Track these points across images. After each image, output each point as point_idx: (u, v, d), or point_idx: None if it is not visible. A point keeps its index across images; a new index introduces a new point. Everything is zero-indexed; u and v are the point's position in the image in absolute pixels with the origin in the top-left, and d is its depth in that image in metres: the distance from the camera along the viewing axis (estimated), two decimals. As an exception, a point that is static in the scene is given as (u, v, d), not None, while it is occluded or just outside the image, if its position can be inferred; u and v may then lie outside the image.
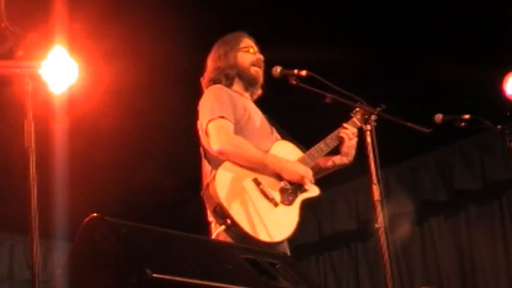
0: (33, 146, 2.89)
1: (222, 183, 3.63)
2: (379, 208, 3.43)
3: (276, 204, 3.70)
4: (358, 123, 3.86)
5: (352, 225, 7.55)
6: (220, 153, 3.73)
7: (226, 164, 3.70)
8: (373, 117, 3.66)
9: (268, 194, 3.70)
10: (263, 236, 3.57)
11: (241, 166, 3.72)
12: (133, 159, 6.63)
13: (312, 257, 7.96)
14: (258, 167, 3.74)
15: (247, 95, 4.08)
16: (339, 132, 3.96)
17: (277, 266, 2.86)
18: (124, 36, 5.32)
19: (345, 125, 3.95)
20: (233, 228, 3.56)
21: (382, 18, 5.51)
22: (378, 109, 3.68)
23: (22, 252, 7.85)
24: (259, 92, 4.12)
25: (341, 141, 3.96)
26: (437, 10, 5.36)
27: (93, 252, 2.51)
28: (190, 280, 2.40)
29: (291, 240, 3.77)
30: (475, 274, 6.80)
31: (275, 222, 3.66)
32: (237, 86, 4.04)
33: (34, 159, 2.88)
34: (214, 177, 3.65)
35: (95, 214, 2.53)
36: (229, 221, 3.55)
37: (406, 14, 5.42)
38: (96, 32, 5.12)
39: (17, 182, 2.93)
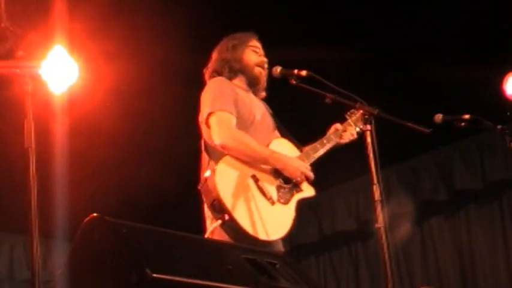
0: (33, 146, 2.89)
1: (222, 177, 3.59)
2: (379, 208, 3.43)
3: (272, 203, 3.67)
4: (353, 125, 3.91)
5: (352, 225, 7.54)
6: (223, 147, 3.69)
7: (227, 158, 3.67)
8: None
9: (266, 192, 3.67)
10: (261, 234, 3.55)
11: (241, 161, 3.69)
12: (133, 160, 6.62)
13: (312, 257, 7.94)
14: (258, 163, 3.72)
15: (249, 91, 4.07)
16: (341, 136, 3.99)
17: (277, 266, 2.86)
18: (124, 36, 5.32)
19: (342, 126, 3.99)
20: (230, 223, 3.52)
21: (382, 18, 5.51)
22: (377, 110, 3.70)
23: (22, 252, 7.85)
24: (262, 94, 4.12)
25: (341, 139, 4.00)
26: (437, 10, 5.36)
27: (93, 252, 2.51)
28: (190, 280, 2.39)
29: (291, 240, 3.76)
30: (475, 274, 6.80)
31: (272, 221, 3.63)
32: (239, 80, 4.02)
33: (34, 159, 2.88)
34: (214, 171, 3.61)
35: (95, 214, 2.53)
36: (226, 216, 3.51)
37: (406, 14, 5.42)
38: (96, 32, 5.11)
39: (17, 182, 2.93)
